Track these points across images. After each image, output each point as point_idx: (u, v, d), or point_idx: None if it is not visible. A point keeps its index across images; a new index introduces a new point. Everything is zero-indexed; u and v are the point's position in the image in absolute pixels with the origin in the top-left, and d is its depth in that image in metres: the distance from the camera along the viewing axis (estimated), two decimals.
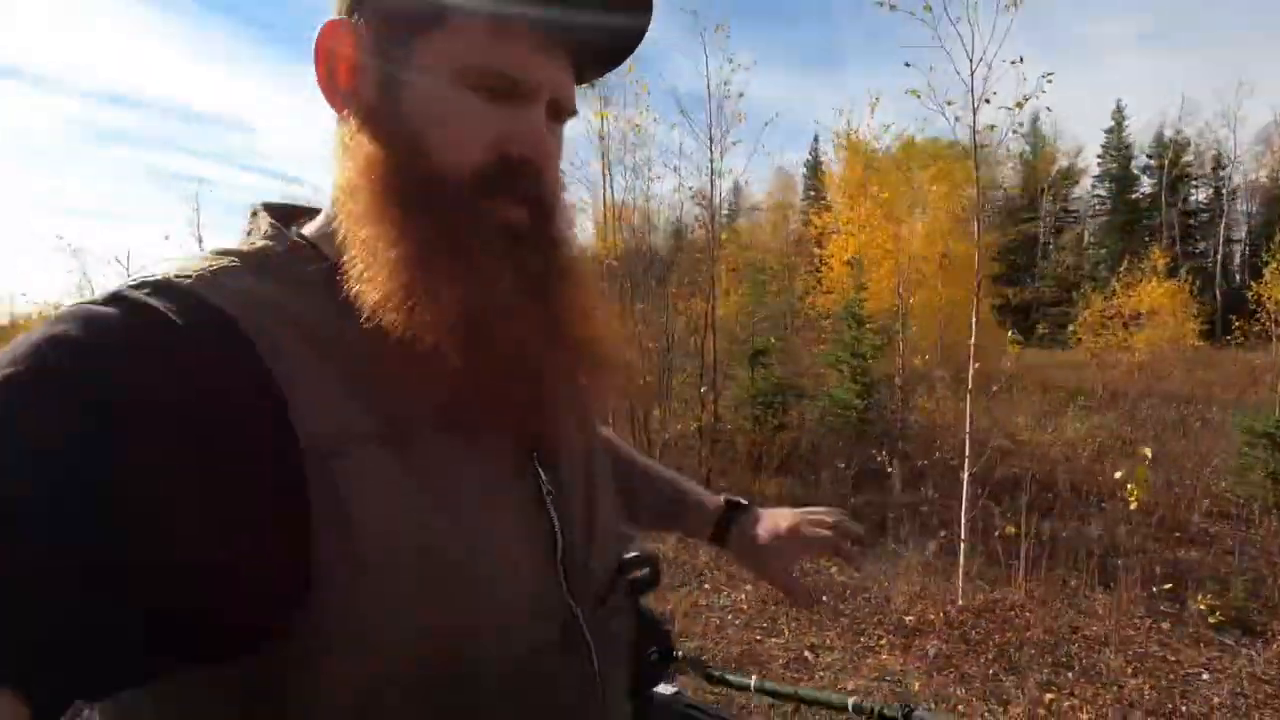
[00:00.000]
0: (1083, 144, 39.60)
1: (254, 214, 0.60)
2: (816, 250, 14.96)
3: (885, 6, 4.62)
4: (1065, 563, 5.07)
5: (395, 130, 0.54)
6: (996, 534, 4.87)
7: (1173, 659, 3.87)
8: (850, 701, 1.26)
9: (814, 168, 34.06)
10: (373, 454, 0.48)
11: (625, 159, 7.23)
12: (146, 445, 0.40)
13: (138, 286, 0.46)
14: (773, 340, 8.01)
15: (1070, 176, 38.12)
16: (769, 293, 12.11)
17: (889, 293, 9.87)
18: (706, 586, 4.94)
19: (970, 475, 4.49)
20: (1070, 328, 18.18)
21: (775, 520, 0.92)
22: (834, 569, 4.91)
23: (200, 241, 12.27)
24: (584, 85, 0.64)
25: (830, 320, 11.67)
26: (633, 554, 0.97)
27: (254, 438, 0.44)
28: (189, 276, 0.48)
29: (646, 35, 0.62)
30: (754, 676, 1.30)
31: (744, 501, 0.97)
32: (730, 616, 4.46)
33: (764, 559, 0.91)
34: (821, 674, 3.74)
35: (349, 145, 0.56)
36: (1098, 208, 38.46)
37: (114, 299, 0.45)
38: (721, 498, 0.98)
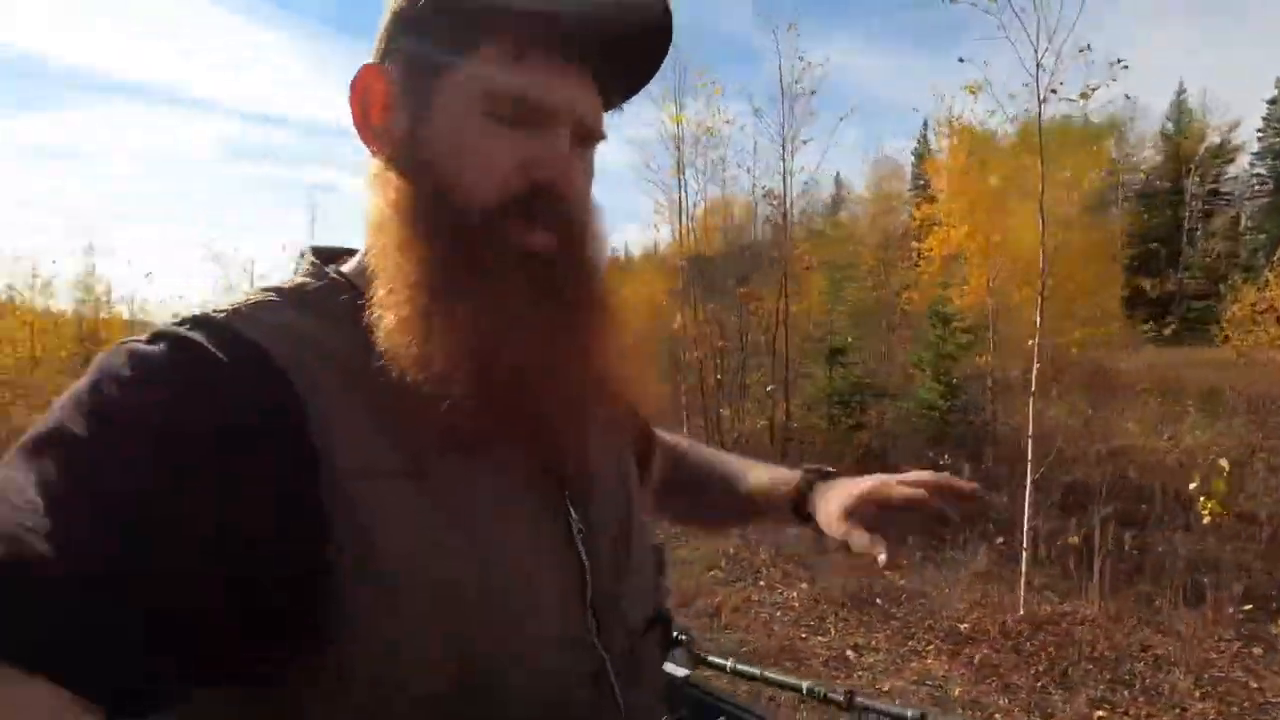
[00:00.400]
0: (1239, 118, 35.37)
1: (301, 255, 0.62)
2: (915, 244, 14.41)
3: None
4: (1152, 578, 4.77)
5: (420, 162, 0.55)
6: (1059, 542, 4.65)
7: (1254, 685, 3.59)
8: (805, 685, 1.40)
9: (921, 156, 32.52)
10: (397, 487, 0.49)
11: (697, 161, 7.36)
12: (177, 469, 0.42)
13: (180, 323, 0.49)
14: (849, 339, 7.88)
15: (1223, 154, 34.22)
16: (863, 289, 11.81)
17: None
18: (761, 583, 5.02)
19: (1033, 481, 4.33)
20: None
21: (856, 483, 0.74)
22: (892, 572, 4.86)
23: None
24: (611, 110, 0.64)
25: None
26: None
27: (280, 466, 0.45)
28: (226, 312, 0.50)
29: (668, 52, 0.61)
30: (730, 659, 1.43)
31: (829, 470, 0.82)
32: (779, 613, 4.53)
33: (830, 515, 0.72)
34: (861, 674, 3.76)
35: (379, 181, 0.57)
36: (1257, 188, 34.32)
37: (157, 336, 0.48)
38: (799, 471, 0.83)
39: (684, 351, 7.70)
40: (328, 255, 0.62)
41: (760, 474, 0.88)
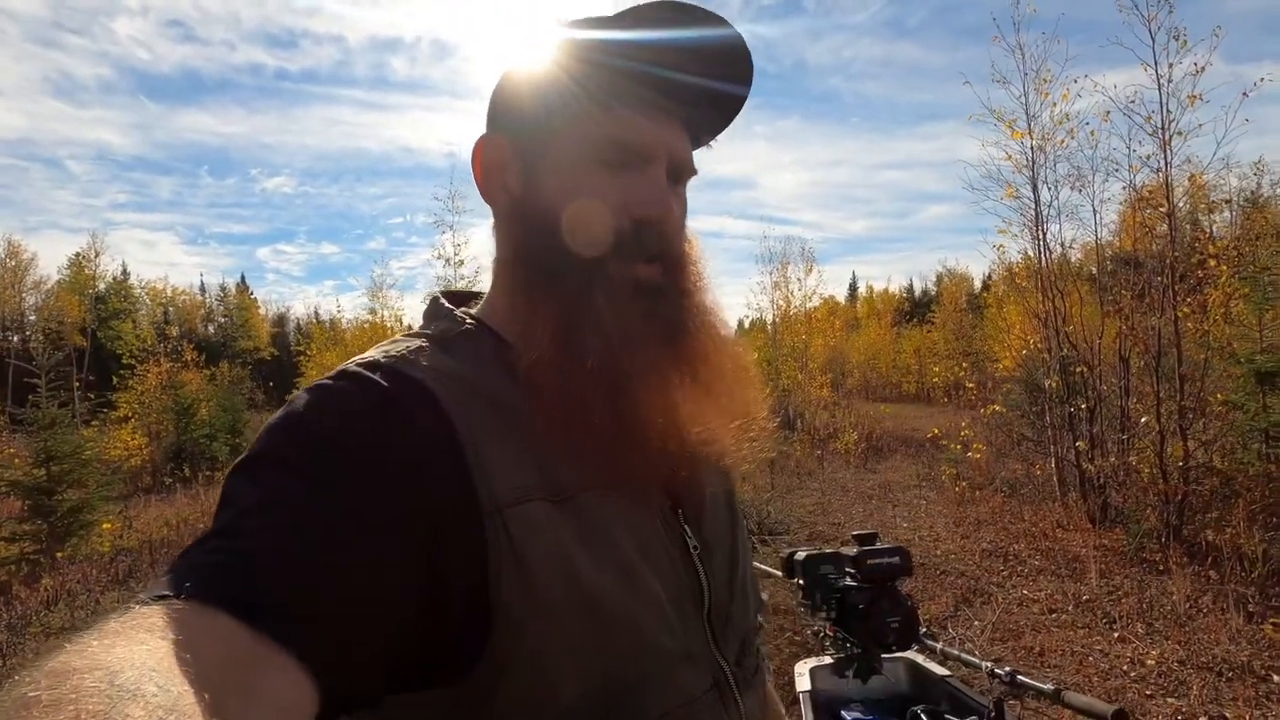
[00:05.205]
0: None
1: (433, 300, 0.69)
2: None
3: None
4: None
5: (538, 211, 0.62)
6: None
7: None
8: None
9: None
10: (544, 509, 0.53)
11: (1057, 167, 6.62)
12: (362, 482, 0.48)
13: (360, 365, 0.55)
14: None
15: None
16: None
17: None
18: None
19: None
20: None
21: None
22: None
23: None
24: (700, 146, 0.70)
25: None
26: (885, 544, 1.10)
27: (443, 490, 0.50)
28: (395, 357, 0.57)
29: (747, 101, 0.67)
30: (987, 663, 1.46)
31: None
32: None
33: None
34: None
35: (503, 231, 0.66)
36: None
37: (341, 375, 0.54)
38: None
39: (1045, 377, 6.98)
40: (456, 299, 0.70)
41: None
